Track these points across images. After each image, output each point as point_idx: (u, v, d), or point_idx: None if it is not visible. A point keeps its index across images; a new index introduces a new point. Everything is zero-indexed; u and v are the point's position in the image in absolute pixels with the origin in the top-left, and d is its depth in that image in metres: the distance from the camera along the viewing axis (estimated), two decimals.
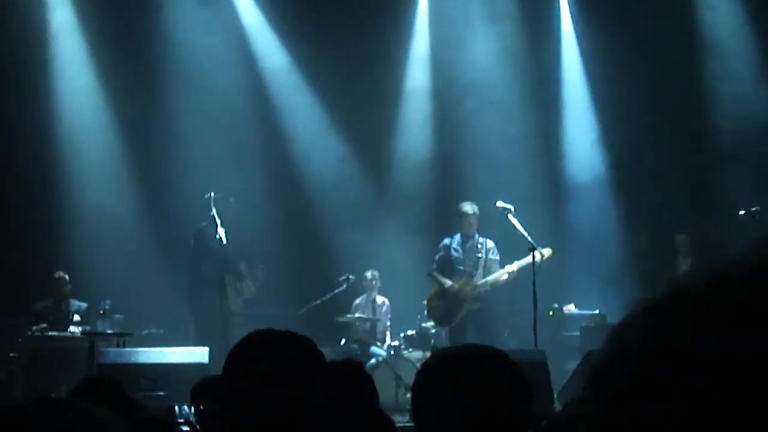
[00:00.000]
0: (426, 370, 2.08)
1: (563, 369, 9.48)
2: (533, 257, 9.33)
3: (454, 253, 10.36)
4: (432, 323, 10.49)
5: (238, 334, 2.51)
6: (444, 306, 10.26)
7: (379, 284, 11.13)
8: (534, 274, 9.16)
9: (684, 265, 10.93)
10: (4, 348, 10.11)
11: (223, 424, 2.32)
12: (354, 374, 3.50)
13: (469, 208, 10.33)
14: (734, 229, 10.68)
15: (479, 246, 10.32)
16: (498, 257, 10.33)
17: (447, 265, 10.37)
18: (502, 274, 10.07)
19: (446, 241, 10.46)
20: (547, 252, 9.63)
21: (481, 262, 10.28)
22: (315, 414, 2.24)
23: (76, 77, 12.00)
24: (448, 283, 10.24)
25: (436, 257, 10.47)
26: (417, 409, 2.06)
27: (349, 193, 12.25)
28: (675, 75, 12.13)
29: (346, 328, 10.86)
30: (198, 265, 10.72)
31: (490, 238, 10.41)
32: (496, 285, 10.22)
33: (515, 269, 9.93)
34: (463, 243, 10.36)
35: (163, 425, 3.63)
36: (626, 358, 0.68)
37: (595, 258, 11.87)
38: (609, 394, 0.68)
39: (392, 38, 12.59)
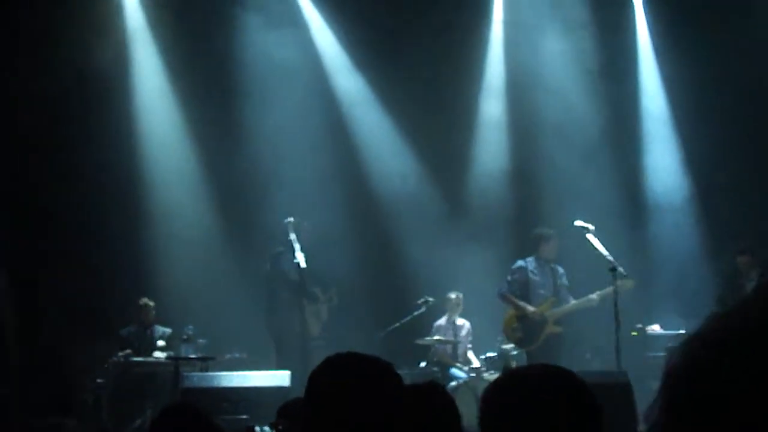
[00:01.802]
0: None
1: (648, 390, 9.29)
2: (615, 277, 9.15)
3: (532, 276, 10.20)
4: (512, 345, 10.34)
5: (318, 358, 2.52)
6: (524, 328, 10.13)
7: (462, 306, 11.05)
8: (616, 295, 9.00)
9: (749, 286, 10.67)
10: (91, 373, 10.33)
11: None
12: (436, 397, 3.48)
13: (553, 232, 10.24)
14: None
15: (555, 271, 10.21)
16: (568, 283, 10.21)
17: (524, 289, 10.22)
18: (592, 299, 9.88)
19: (521, 263, 10.30)
20: (629, 284, 9.35)
21: (558, 288, 10.18)
22: None
23: (157, 105, 12.23)
24: (530, 308, 10.08)
25: (509, 278, 10.28)
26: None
27: (425, 212, 12.24)
28: (759, 92, 11.82)
29: (425, 350, 10.81)
30: (274, 289, 10.80)
31: (569, 258, 10.30)
32: (578, 309, 10.08)
33: (606, 294, 9.70)
34: (541, 267, 10.23)
35: None
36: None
37: (679, 278, 11.65)
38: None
39: (467, 56, 12.55)
